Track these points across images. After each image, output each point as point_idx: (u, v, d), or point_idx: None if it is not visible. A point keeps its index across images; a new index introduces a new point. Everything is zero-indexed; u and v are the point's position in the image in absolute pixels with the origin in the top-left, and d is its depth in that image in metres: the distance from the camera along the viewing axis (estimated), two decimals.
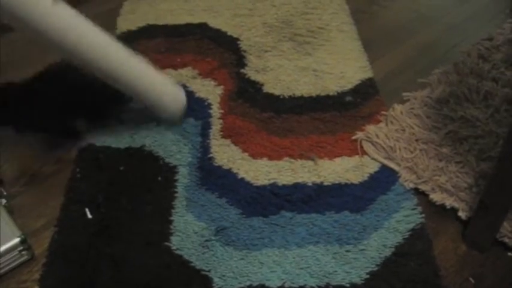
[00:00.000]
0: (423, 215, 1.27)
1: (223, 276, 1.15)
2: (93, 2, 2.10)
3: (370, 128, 1.47)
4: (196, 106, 1.56)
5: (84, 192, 1.34)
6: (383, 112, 1.53)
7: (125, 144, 1.46)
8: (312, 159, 1.40)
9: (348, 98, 1.58)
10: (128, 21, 1.94)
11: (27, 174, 1.42)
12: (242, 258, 1.19)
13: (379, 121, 1.50)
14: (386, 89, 1.62)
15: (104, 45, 1.33)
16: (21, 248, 1.19)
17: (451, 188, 1.30)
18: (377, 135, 1.44)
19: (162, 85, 1.46)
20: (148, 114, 1.50)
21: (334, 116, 1.53)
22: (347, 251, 1.19)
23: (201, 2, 2.02)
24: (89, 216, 1.28)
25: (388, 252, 1.19)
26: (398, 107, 1.53)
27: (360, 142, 1.44)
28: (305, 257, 1.19)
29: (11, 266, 1.20)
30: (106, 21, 1.94)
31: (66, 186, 1.36)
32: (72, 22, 1.26)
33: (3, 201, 1.29)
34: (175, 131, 1.49)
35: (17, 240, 1.18)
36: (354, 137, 1.46)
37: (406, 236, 1.22)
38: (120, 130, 1.50)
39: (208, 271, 1.16)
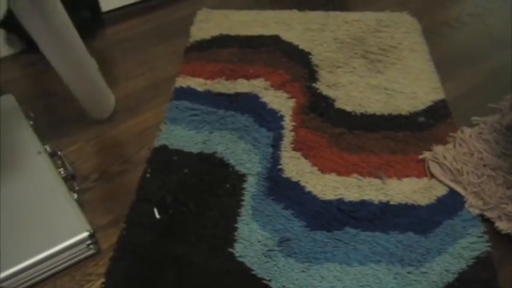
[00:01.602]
0: (489, 244, 1.24)
1: (284, 287, 1.16)
2: (167, 9, 2.16)
3: (438, 149, 1.45)
4: (269, 117, 1.58)
5: (154, 192, 1.37)
6: (451, 133, 1.51)
7: (197, 149, 1.49)
8: (380, 178, 1.40)
9: (421, 119, 1.57)
10: (202, 30, 1.98)
11: (97, 171, 1.47)
12: (303, 271, 1.19)
13: (448, 143, 1.49)
14: (456, 112, 1.60)
15: None
16: (89, 241, 1.23)
17: None
18: (444, 157, 1.43)
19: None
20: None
21: (406, 136, 1.52)
22: (409, 272, 1.19)
23: (273, 14, 2.05)
24: (157, 216, 1.32)
25: (450, 277, 1.18)
26: (467, 130, 1.51)
27: (427, 162, 1.43)
28: (366, 275, 1.18)
29: (78, 258, 1.24)
30: (179, 28, 2.01)
31: (137, 184, 1.40)
32: None
33: (75, 195, 1.33)
34: (247, 141, 1.51)
35: (85, 234, 1.22)
36: (420, 156, 1.45)
37: (471, 263, 1.20)
38: (194, 135, 1.53)
39: (269, 281, 1.18)
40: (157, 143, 1.52)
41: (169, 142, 1.51)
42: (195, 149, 1.49)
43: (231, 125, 1.55)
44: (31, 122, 1.52)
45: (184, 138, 1.52)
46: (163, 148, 1.50)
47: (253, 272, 1.19)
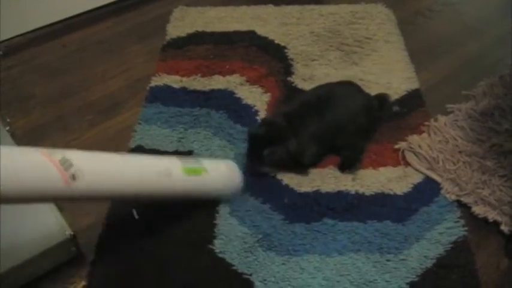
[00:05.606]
0: (466, 228, 1.26)
1: (265, 280, 1.17)
2: (142, 9, 2.16)
3: (413, 139, 1.47)
4: (243, 113, 1.58)
5: None
6: (426, 123, 1.53)
7: (172, 148, 1.49)
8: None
9: (395, 108, 1.58)
10: (178, 27, 1.98)
11: None
12: (284, 264, 1.20)
13: (422, 132, 1.50)
14: (431, 100, 1.61)
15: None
16: (70, 244, 1.22)
17: (494, 201, 1.30)
18: (420, 146, 1.44)
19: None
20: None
21: (380, 125, 1.51)
22: (388, 260, 1.20)
23: (249, 10, 2.06)
24: (136, 216, 1.32)
25: (429, 263, 1.19)
26: (442, 118, 1.53)
27: (403, 152, 1.44)
28: (346, 264, 1.20)
29: (59, 261, 1.23)
30: (155, 27, 2.01)
31: None
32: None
33: None
34: (222, 137, 1.51)
35: (66, 237, 1.21)
36: (396, 147, 1.46)
37: (448, 248, 1.22)
38: (169, 133, 1.53)
39: (250, 275, 1.18)
40: (133, 144, 1.51)
41: (144, 142, 1.51)
42: (170, 148, 1.49)
43: (206, 122, 1.56)
44: (7, 128, 1.51)
45: (159, 137, 1.52)
46: (139, 148, 1.49)
47: (234, 268, 1.20)
